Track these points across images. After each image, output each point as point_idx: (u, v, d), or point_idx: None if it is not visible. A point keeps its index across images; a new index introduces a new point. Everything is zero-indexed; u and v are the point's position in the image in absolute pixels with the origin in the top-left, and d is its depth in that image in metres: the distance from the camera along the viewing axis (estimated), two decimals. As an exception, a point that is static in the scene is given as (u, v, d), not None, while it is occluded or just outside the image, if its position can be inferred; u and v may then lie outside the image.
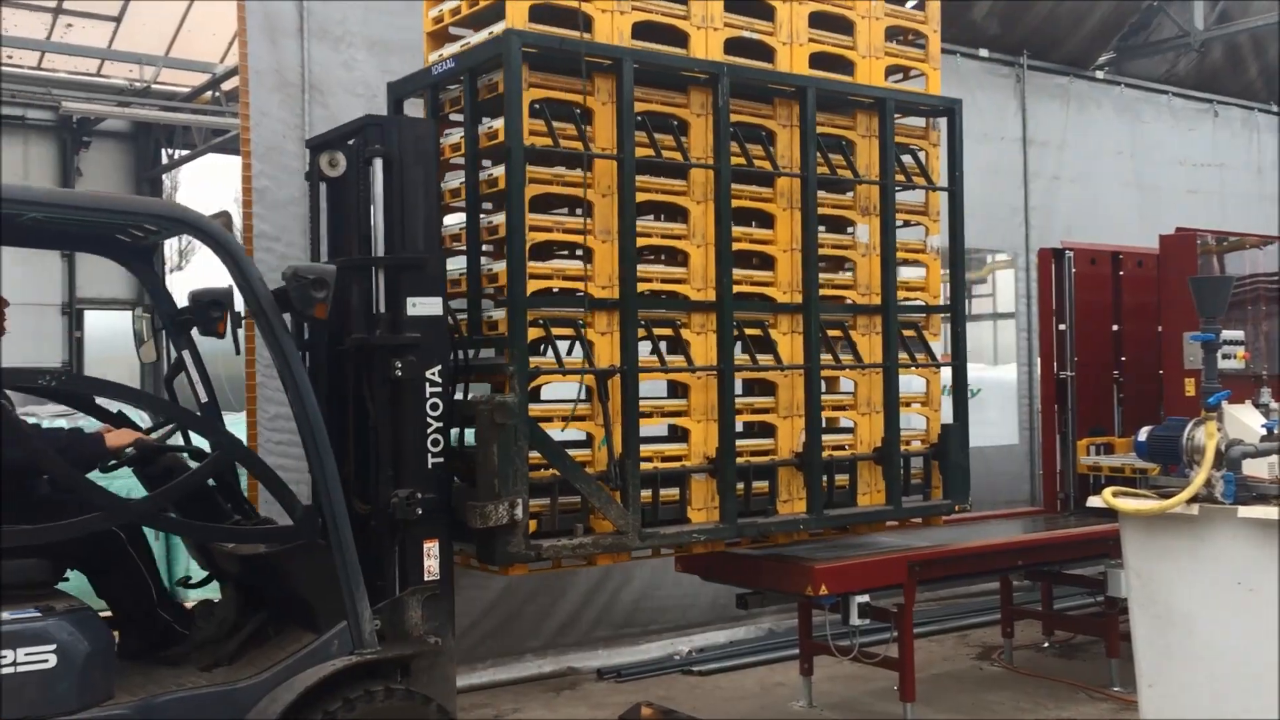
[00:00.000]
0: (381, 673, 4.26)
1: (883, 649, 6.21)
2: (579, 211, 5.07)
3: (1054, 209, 10.19)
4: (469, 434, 4.86)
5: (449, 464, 4.61)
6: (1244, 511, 4.28)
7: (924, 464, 6.07)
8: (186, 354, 4.74)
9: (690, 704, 6.77)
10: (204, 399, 4.69)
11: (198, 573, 4.92)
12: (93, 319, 16.26)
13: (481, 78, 4.96)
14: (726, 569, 6.06)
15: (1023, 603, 8.07)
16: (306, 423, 4.15)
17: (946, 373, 6.25)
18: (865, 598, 5.82)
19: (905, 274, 6.09)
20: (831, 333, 5.73)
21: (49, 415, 7.11)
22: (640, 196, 5.12)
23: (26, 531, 3.75)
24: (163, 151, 17.35)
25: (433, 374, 4.48)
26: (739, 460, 5.33)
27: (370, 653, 4.18)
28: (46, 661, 3.69)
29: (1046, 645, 7.95)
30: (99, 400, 4.73)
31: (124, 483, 5.10)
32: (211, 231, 4.13)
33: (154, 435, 4.64)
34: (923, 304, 6.10)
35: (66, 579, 4.17)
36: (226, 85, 15.19)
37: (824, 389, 5.82)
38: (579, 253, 5.14)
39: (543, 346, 5.06)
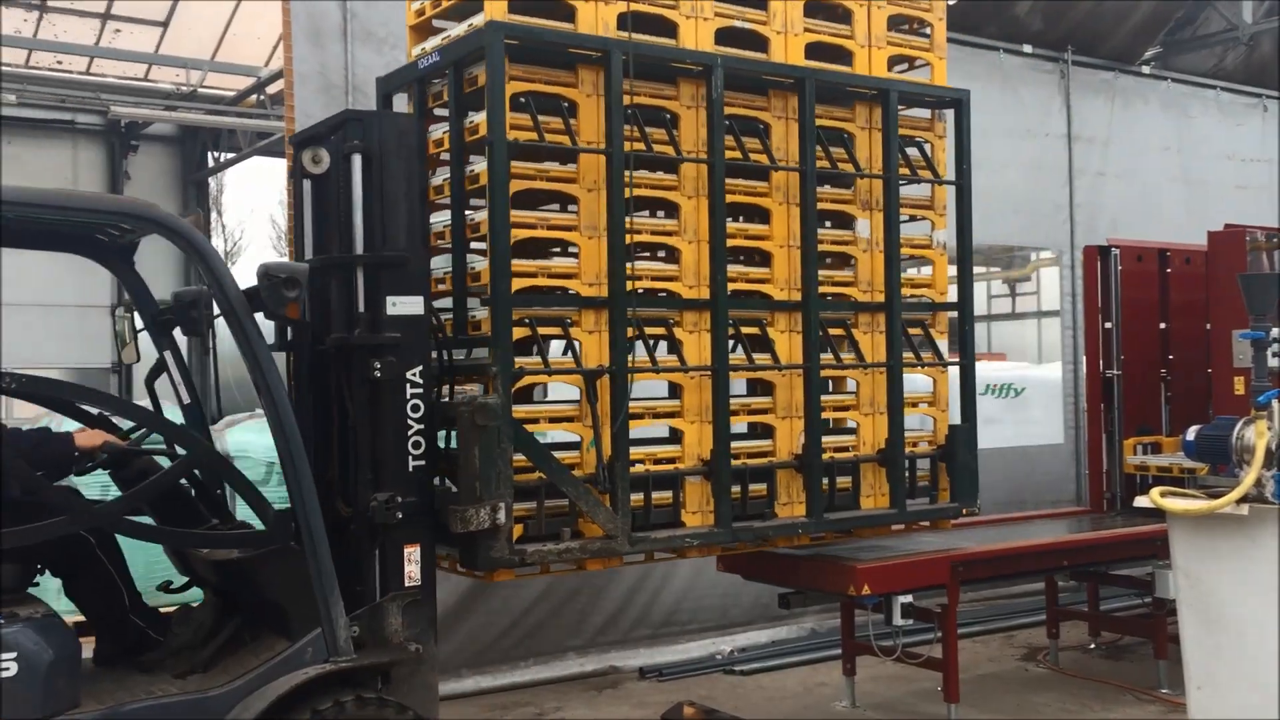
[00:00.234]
0: (359, 681, 4.13)
1: (926, 649, 6.18)
2: (572, 208, 4.97)
3: (1099, 205, 10.08)
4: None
5: (434, 467, 4.49)
6: (1295, 511, 4.22)
7: (931, 466, 5.90)
8: (168, 354, 4.66)
9: (732, 703, 6.77)
10: (186, 400, 4.61)
11: (180, 578, 4.81)
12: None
13: (466, 71, 4.85)
14: (768, 569, 6.05)
15: (1068, 603, 8.01)
16: (279, 424, 4.06)
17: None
18: (908, 598, 5.80)
19: (911, 270, 5.95)
20: (833, 331, 5.56)
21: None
22: (633, 192, 4.96)
23: None
24: (209, 154, 17.59)
25: (413, 375, 4.35)
26: (736, 462, 5.18)
27: (345, 660, 4.06)
28: (8, 669, 3.61)
29: (1093, 646, 7.88)
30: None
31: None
32: (180, 230, 4.04)
33: (135, 438, 4.55)
34: (929, 301, 5.91)
35: (36, 584, 4.10)
36: (271, 88, 15.38)
37: (830, 389, 5.71)
38: (573, 249, 5.03)
39: (535, 347, 4.94)
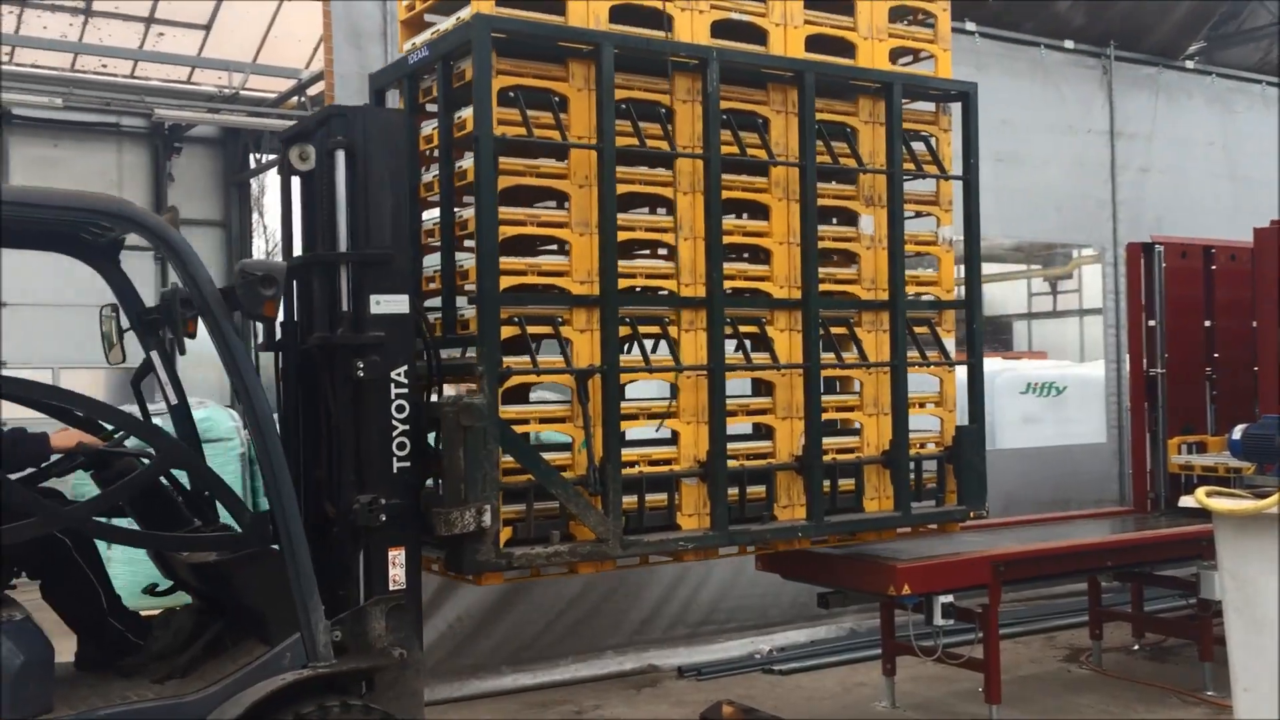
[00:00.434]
0: (341, 687, 4.06)
1: (967, 650, 6.14)
2: (568, 205, 4.88)
3: (1143, 202, 9.98)
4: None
5: (421, 468, 4.40)
6: (1344, 512, 4.16)
7: (938, 468, 5.74)
8: (155, 354, 4.59)
9: (771, 703, 6.76)
10: (173, 401, 4.53)
11: (166, 581, 4.76)
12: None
13: (454, 65, 4.76)
14: (807, 568, 6.04)
15: (1112, 604, 7.92)
16: (256, 425, 3.99)
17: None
18: (949, 598, 5.76)
19: (928, 269, 5.83)
20: (836, 330, 5.44)
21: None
22: (624, 188, 4.89)
23: None
24: (251, 156, 17.76)
25: (398, 374, 4.26)
26: (734, 464, 5.07)
27: (323, 666, 3.98)
28: (-23, 673, 3.51)
29: (1137, 648, 7.79)
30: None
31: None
32: (154, 227, 3.97)
33: (116, 439, 4.47)
34: (935, 299, 5.76)
35: (14, 586, 4.05)
36: (312, 90, 15.51)
37: (837, 389, 5.60)
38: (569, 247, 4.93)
39: (537, 346, 4.81)
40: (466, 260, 4.76)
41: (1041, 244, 20.13)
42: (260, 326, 4.46)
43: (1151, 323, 7.88)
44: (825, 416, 5.39)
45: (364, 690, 4.16)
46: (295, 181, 4.65)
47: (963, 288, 5.93)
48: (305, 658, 3.98)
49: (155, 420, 4.49)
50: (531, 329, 4.68)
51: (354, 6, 6.70)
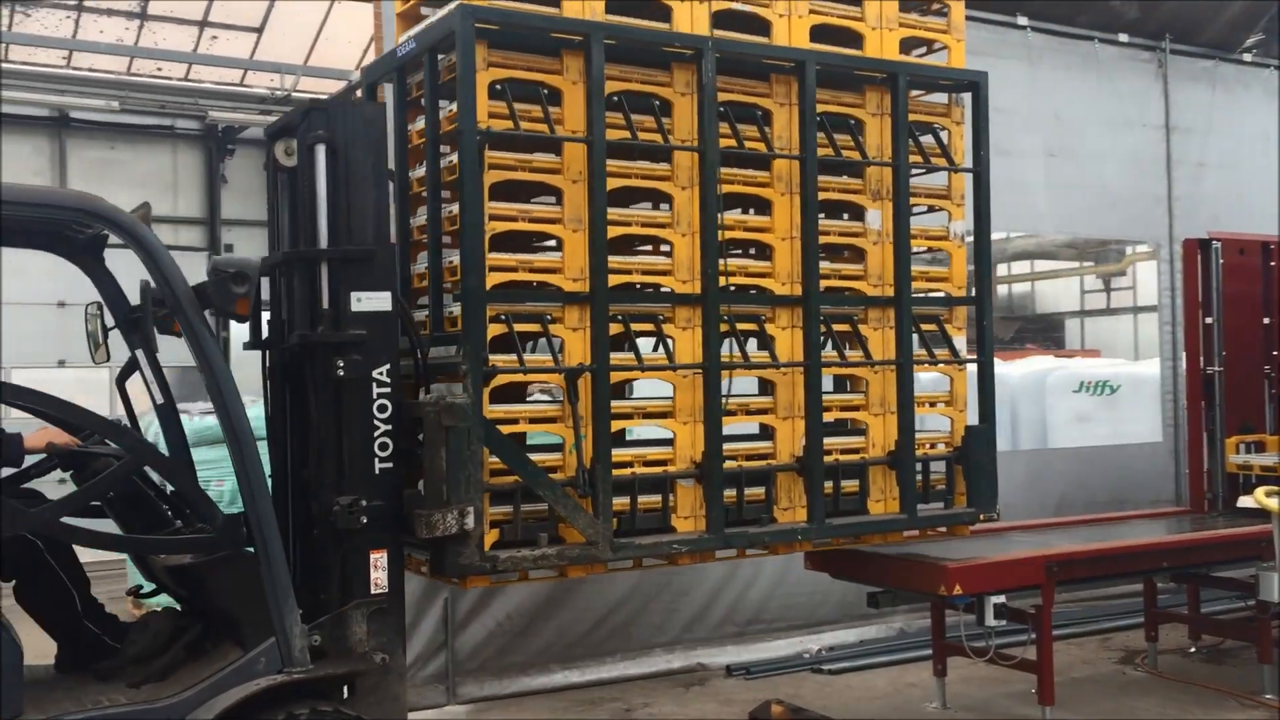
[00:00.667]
0: (320, 692, 3.99)
1: (1020, 651, 6.08)
2: (561, 201, 4.75)
3: (1199, 197, 9.80)
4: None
5: (403, 470, 4.31)
6: None
7: (946, 469, 5.57)
8: (140, 353, 4.49)
9: (820, 703, 6.74)
10: (159, 400, 4.44)
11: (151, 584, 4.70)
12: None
13: (441, 58, 4.65)
14: (856, 567, 6.01)
15: (1168, 606, 7.80)
16: (230, 426, 3.91)
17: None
18: (1001, 598, 5.70)
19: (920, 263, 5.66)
20: (841, 327, 5.30)
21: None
22: (620, 183, 4.77)
23: None
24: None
25: (380, 373, 4.17)
26: (732, 464, 4.94)
27: (298, 671, 3.90)
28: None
29: (1193, 650, 7.67)
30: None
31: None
32: (123, 224, 3.89)
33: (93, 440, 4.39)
34: (945, 295, 5.59)
35: None
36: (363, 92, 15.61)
37: (848, 388, 5.47)
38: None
39: (533, 344, 4.76)
40: (455, 257, 4.64)
41: (1095, 240, 19.91)
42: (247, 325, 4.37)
43: (1209, 320, 7.76)
44: (829, 416, 5.26)
45: (345, 695, 4.07)
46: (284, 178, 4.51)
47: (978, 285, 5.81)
48: (280, 663, 3.90)
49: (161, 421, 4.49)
50: (521, 327, 4.57)
51: (403, 8, 6.74)
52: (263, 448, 4.24)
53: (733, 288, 5.09)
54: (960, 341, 5.60)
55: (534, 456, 4.65)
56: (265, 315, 4.51)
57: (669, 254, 5.03)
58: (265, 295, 4.37)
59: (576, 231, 4.67)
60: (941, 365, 5.55)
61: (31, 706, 3.73)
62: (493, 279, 4.52)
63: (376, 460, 4.17)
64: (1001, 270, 26.86)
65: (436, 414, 4.20)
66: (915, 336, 5.42)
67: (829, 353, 5.24)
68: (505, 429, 4.52)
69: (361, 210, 4.22)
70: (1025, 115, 9.01)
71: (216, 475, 7.57)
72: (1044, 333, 27.45)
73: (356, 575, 4.13)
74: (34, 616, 4.23)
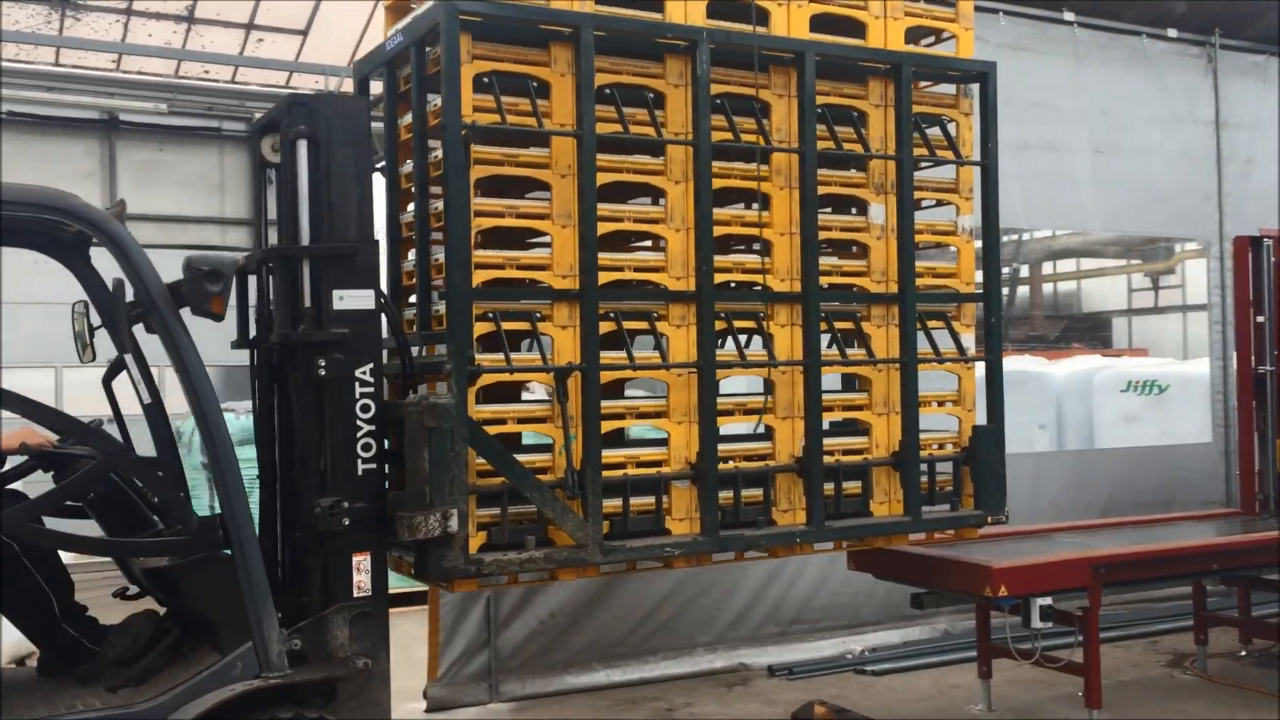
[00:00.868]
0: (299, 697, 3.92)
1: (1066, 654, 6.03)
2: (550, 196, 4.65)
3: (1249, 194, 9.65)
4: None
5: (388, 471, 4.23)
6: None
7: (954, 470, 5.42)
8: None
9: (864, 704, 6.72)
10: (147, 400, 4.30)
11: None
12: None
13: (428, 50, 4.56)
14: (900, 568, 5.99)
15: (1218, 609, 7.69)
16: (205, 426, 3.85)
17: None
18: (1047, 600, 5.65)
19: (928, 259, 5.54)
20: (844, 325, 5.17)
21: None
22: (611, 177, 4.65)
23: None
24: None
25: (363, 373, 4.09)
26: (729, 465, 4.82)
27: (275, 677, 3.83)
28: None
29: (1244, 654, 7.56)
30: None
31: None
32: (96, 221, 3.82)
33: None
34: (953, 291, 5.44)
35: None
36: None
37: (856, 387, 5.31)
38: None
39: (529, 343, 4.65)
40: (442, 254, 4.53)
41: (1143, 238, 19.67)
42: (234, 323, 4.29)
43: (1260, 319, 7.65)
44: (831, 416, 5.15)
45: (327, 700, 4.01)
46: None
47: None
48: (257, 667, 3.83)
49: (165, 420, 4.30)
50: (510, 325, 4.48)
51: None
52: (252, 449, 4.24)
53: (733, 284, 4.99)
54: (968, 339, 5.46)
55: (528, 457, 4.57)
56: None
57: (654, 249, 4.93)
58: (253, 294, 4.36)
59: (566, 227, 4.57)
60: (951, 363, 5.41)
61: (5, 709, 3.70)
62: (480, 276, 4.43)
63: (359, 461, 4.09)
64: (1047, 268, 26.63)
65: (418, 414, 4.12)
66: (922, 334, 5.31)
67: (830, 351, 5.12)
68: (494, 429, 4.43)
69: (344, 206, 4.14)
70: (1071, 111, 8.92)
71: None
72: (1090, 331, 27.16)
73: (338, 578, 4.05)
74: (10, 619, 4.18)
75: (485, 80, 4.46)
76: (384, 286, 4.79)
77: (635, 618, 7.40)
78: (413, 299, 4.81)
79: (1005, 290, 25.77)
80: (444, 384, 4.38)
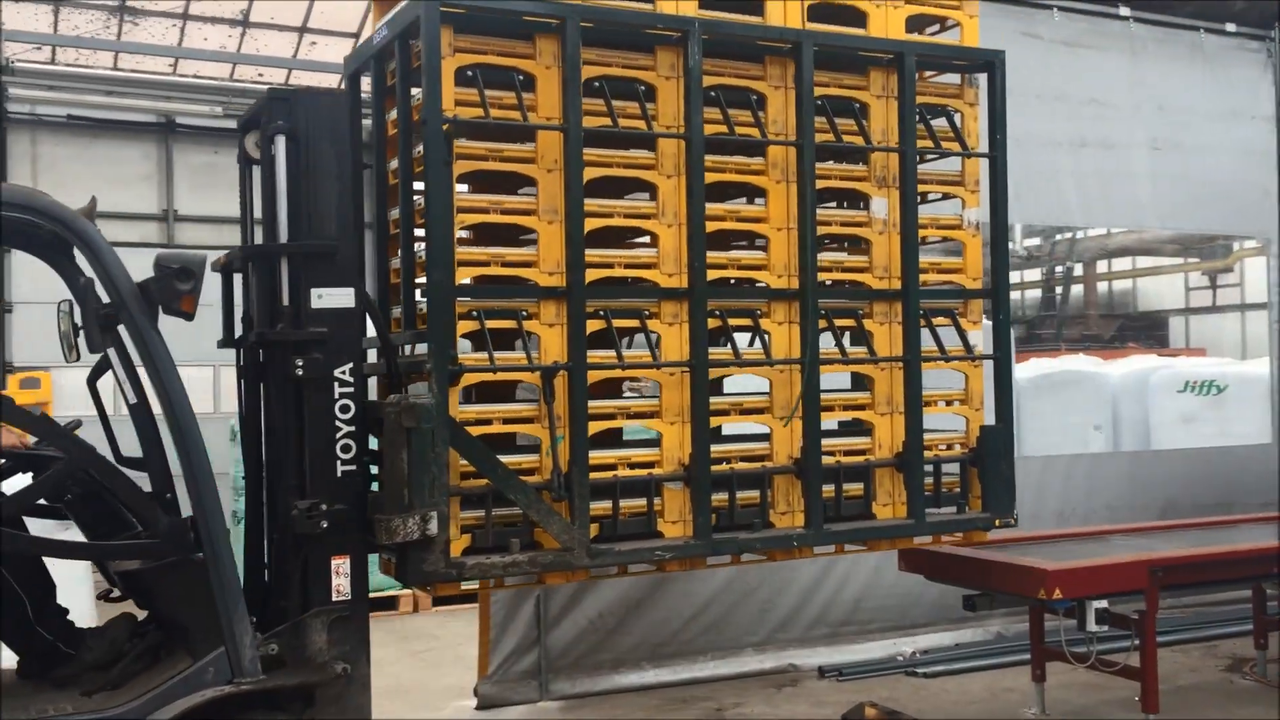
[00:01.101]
0: (276, 703, 3.86)
1: (1122, 658, 5.95)
2: (536, 191, 4.54)
3: (1311, 190, 9.48)
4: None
5: (368, 472, 4.15)
6: None
7: (961, 471, 5.26)
8: (112, 352, 4.23)
9: (915, 706, 6.66)
10: (132, 400, 4.19)
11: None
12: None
13: (412, 44, 4.46)
14: (952, 569, 5.95)
15: (1279, 613, 7.55)
16: (176, 426, 3.78)
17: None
18: (1103, 603, 5.58)
19: (939, 254, 5.41)
20: (845, 322, 5.04)
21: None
22: (600, 172, 4.55)
23: None
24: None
25: (343, 373, 4.00)
26: (725, 467, 4.70)
27: (247, 682, 3.76)
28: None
29: (1305, 659, 7.42)
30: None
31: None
32: (64, 219, 3.76)
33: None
34: (959, 287, 5.28)
35: None
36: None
37: (865, 385, 5.16)
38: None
39: (521, 341, 4.53)
40: (423, 250, 4.43)
41: (1201, 235, 19.35)
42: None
43: (1322, 318, 7.49)
44: (834, 416, 5.03)
45: (306, 705, 3.94)
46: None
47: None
48: (230, 672, 3.77)
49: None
50: (495, 323, 4.38)
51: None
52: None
53: (732, 280, 4.89)
54: (976, 336, 5.29)
55: (519, 458, 4.47)
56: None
57: (647, 245, 4.80)
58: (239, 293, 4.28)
59: (552, 223, 4.46)
60: (955, 361, 5.25)
61: (-23, 714, 3.65)
62: (466, 273, 4.35)
63: (339, 463, 4.00)
64: (1101, 266, 26.30)
65: (397, 414, 4.02)
66: (927, 331, 5.15)
67: (831, 349, 5.00)
68: (480, 429, 4.35)
69: (324, 203, 4.05)
70: (1127, 107, 8.80)
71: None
72: (1146, 331, 26.80)
73: (317, 582, 3.98)
74: None
75: (469, 74, 4.37)
76: (374, 284, 4.81)
77: (684, 617, 7.40)
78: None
79: (1059, 289, 25.56)
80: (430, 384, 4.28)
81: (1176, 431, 10.58)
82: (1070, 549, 6.18)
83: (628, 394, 5.33)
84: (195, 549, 3.81)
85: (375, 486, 4.23)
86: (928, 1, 5.20)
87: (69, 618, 4.21)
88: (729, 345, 4.75)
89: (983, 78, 5.35)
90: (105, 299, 3.94)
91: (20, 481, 4.17)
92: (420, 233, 4.47)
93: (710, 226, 4.71)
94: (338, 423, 4.01)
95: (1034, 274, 26.90)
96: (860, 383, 5.24)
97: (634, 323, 4.62)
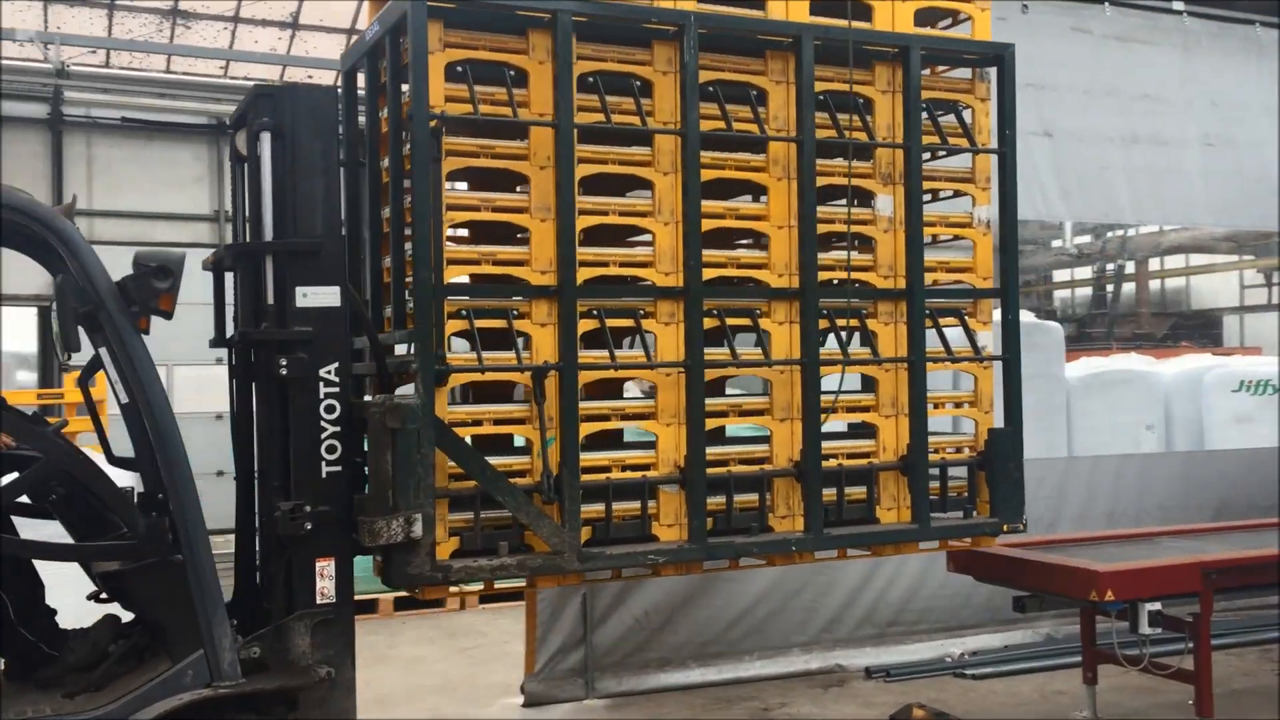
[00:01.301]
0: (258, 707, 3.82)
1: (1176, 661, 5.87)
2: (528, 189, 4.47)
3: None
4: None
5: (356, 474, 4.09)
6: None
7: (969, 475, 5.14)
8: (104, 352, 4.16)
9: (963, 708, 6.65)
10: (124, 399, 4.11)
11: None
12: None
13: (402, 40, 4.39)
14: (1002, 570, 5.91)
15: (1336, 617, 7.43)
16: (154, 426, 3.76)
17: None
18: (1156, 605, 5.51)
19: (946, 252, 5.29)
20: (849, 322, 4.93)
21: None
22: (594, 169, 4.48)
23: None
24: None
25: (328, 373, 3.95)
26: (721, 470, 4.62)
27: (225, 686, 3.72)
28: None
29: (1364, 663, 7.29)
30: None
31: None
32: (40, 217, 3.72)
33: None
34: (968, 287, 5.16)
35: None
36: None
37: (874, 386, 5.04)
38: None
39: (520, 341, 4.45)
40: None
41: (1255, 233, 19.03)
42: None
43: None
44: (836, 418, 4.91)
45: (289, 709, 3.90)
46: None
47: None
48: (208, 676, 3.73)
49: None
50: (486, 323, 4.32)
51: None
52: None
53: (737, 280, 4.78)
54: (985, 337, 5.18)
55: (513, 459, 4.41)
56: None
57: (643, 244, 4.74)
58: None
59: (545, 221, 4.38)
60: (967, 363, 5.13)
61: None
62: (457, 271, 4.29)
63: (324, 464, 3.95)
64: (1154, 264, 25.95)
65: (380, 415, 3.96)
66: (934, 332, 5.05)
67: (831, 349, 4.89)
68: (472, 430, 4.30)
69: (309, 200, 4.00)
70: (1180, 103, 8.67)
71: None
72: (1200, 330, 26.41)
73: (301, 584, 3.93)
74: None
75: (459, 69, 4.32)
76: (368, 284, 4.77)
77: (730, 617, 7.40)
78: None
79: (1110, 287, 25.26)
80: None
81: (1231, 431, 10.40)
82: (1119, 550, 6.11)
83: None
84: (174, 550, 3.77)
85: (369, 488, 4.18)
86: (937, -7, 5.09)
87: (55, 619, 4.18)
88: (753, 344, 4.68)
89: (993, 72, 5.23)
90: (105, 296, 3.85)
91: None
92: (409, 231, 4.38)
93: (709, 224, 4.63)
94: (323, 423, 3.96)
95: (1084, 272, 26.61)
96: (869, 384, 5.13)
97: (629, 322, 4.55)
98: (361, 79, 4.90)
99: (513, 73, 4.38)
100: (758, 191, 4.86)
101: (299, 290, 3.95)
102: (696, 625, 7.33)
